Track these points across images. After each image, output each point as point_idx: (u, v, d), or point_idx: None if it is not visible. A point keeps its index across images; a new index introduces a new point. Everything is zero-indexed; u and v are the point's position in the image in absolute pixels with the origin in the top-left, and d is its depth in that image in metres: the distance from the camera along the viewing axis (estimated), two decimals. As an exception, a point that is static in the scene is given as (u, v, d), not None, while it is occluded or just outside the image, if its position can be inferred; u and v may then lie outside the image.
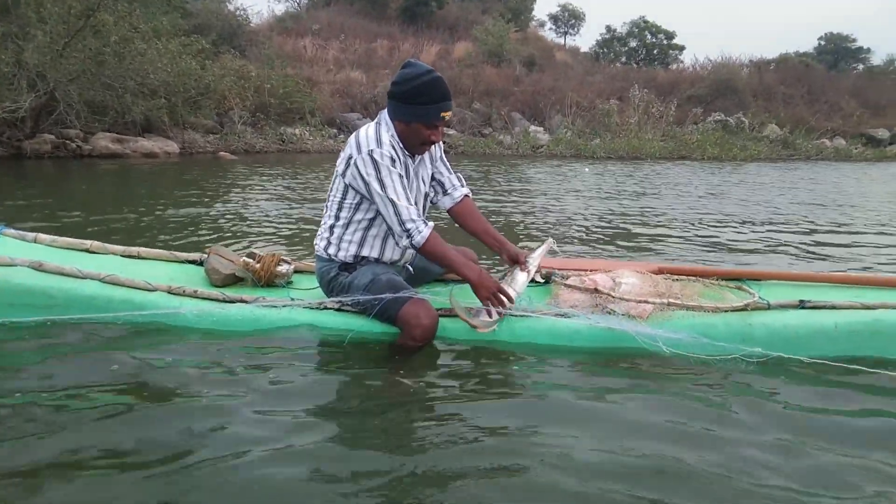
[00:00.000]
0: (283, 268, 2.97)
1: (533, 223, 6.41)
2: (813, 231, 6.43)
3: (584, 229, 6.14)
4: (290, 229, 5.66)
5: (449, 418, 2.02)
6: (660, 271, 2.96)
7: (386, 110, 2.61)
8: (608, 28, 32.77)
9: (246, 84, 16.69)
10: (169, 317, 2.61)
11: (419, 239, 2.51)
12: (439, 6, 28.39)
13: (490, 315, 2.55)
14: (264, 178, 10.34)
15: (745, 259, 4.93)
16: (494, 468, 1.73)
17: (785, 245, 5.55)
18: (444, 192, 2.87)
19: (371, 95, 20.60)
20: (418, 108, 2.49)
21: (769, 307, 2.61)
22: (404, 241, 2.54)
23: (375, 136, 2.55)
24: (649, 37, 32.27)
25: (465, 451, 1.82)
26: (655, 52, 32.30)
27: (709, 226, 6.56)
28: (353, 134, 2.61)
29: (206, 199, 7.55)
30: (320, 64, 22.62)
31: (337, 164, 2.65)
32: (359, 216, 2.66)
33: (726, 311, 2.58)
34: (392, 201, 2.50)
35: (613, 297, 2.59)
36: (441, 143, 2.80)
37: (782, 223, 6.85)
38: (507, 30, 25.79)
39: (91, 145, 13.11)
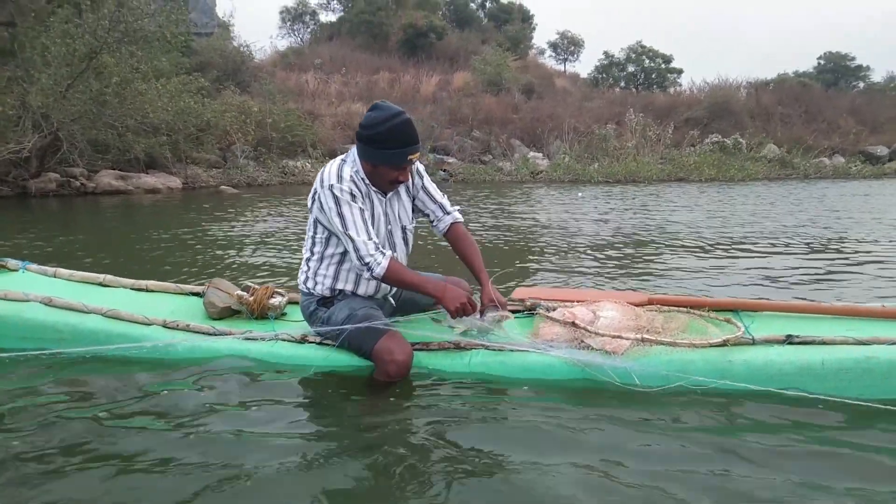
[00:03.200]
0: (275, 300, 3.05)
1: (525, 247, 6.55)
2: (816, 255, 6.12)
3: (577, 255, 6.11)
4: (291, 260, 5.77)
5: (421, 452, 2.03)
6: (649, 302, 2.90)
7: (355, 147, 2.66)
8: (606, 54, 33.20)
9: (248, 119, 17.03)
10: (162, 350, 2.77)
11: (379, 271, 2.53)
12: (439, 38, 28.87)
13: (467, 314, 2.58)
14: (266, 210, 10.54)
15: (743, 286, 4.75)
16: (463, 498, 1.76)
17: (787, 271, 5.29)
18: (432, 223, 2.89)
19: (371, 127, 20.86)
20: (385, 152, 2.51)
21: (753, 342, 2.49)
22: (366, 275, 2.56)
23: (338, 171, 2.59)
24: (647, 61, 32.64)
25: (436, 483, 1.84)
26: (654, 76, 32.63)
27: (707, 251, 6.37)
28: (321, 169, 2.68)
29: (208, 232, 7.76)
30: (322, 97, 23.03)
31: (308, 198, 2.73)
32: (330, 250, 2.70)
33: (704, 346, 2.47)
34: (351, 238, 2.53)
35: (590, 332, 2.55)
36: (423, 173, 2.86)
37: (784, 246, 6.64)
38: (506, 59, 26.20)
39: (95, 182, 13.44)
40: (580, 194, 13.90)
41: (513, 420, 2.27)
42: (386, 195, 2.73)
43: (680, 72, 32.65)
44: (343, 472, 1.92)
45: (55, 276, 3.36)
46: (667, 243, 6.88)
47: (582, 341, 2.54)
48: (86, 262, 5.41)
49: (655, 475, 1.86)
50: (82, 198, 12.69)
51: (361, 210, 2.57)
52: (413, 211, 2.89)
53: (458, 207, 2.96)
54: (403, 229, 2.82)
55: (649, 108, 23.83)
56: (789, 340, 2.45)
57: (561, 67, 35.33)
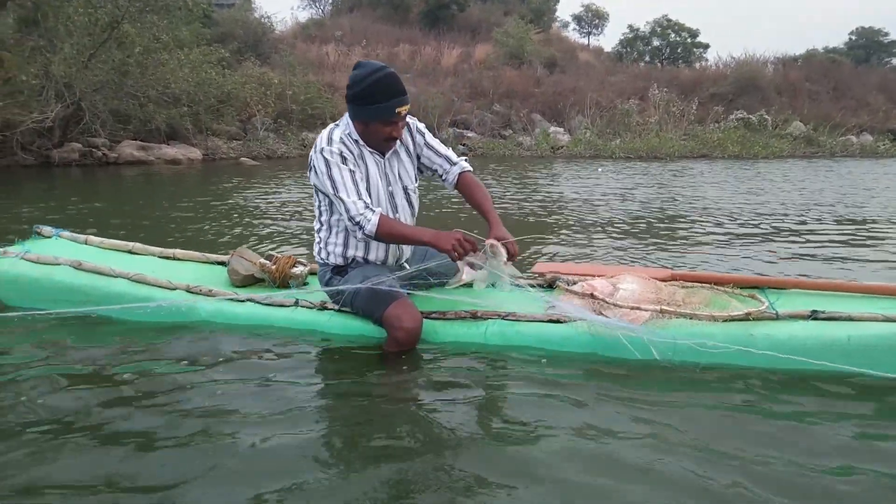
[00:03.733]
0: (297, 269, 3.08)
1: (545, 222, 6.52)
2: (844, 233, 5.94)
3: (598, 231, 6.05)
4: (312, 230, 5.77)
5: (433, 423, 2.04)
6: (672, 278, 2.84)
7: (347, 112, 2.68)
8: (630, 27, 32.60)
9: (268, 91, 17.02)
10: (184, 313, 2.85)
11: (370, 228, 2.54)
12: (460, 9, 28.54)
13: (473, 267, 2.48)
14: (287, 181, 10.59)
15: (770, 263, 4.60)
16: (474, 474, 1.74)
17: (815, 249, 5.17)
18: (441, 178, 2.88)
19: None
20: (372, 108, 2.52)
21: (777, 317, 2.44)
22: (359, 234, 2.57)
23: (328, 135, 2.63)
24: (672, 35, 32.03)
25: (448, 455, 1.83)
26: (679, 50, 32.05)
27: (732, 227, 6.19)
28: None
29: (229, 202, 7.83)
30: (342, 69, 22.91)
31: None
32: (335, 217, 2.71)
33: (726, 319, 2.43)
34: (341, 199, 2.55)
35: (608, 304, 2.52)
36: (424, 131, 2.85)
37: (812, 224, 6.50)
38: (528, 31, 25.86)
39: (117, 153, 13.55)
40: (600, 169, 13.77)
41: (525, 393, 2.24)
42: (384, 156, 2.73)
43: (706, 46, 32.03)
44: (344, 444, 1.93)
45: (86, 244, 3.46)
46: (690, 219, 6.79)
47: (600, 313, 2.51)
48: (109, 231, 5.47)
49: (670, 452, 1.84)
50: (104, 168, 12.82)
51: (352, 171, 2.58)
52: (421, 171, 2.89)
53: (465, 157, 2.93)
54: (405, 189, 2.81)
55: (674, 83, 23.42)
56: (814, 316, 2.40)
57: (585, 41, 34.82)
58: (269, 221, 6.39)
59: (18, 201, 7.69)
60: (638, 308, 2.48)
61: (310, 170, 2.68)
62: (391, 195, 2.76)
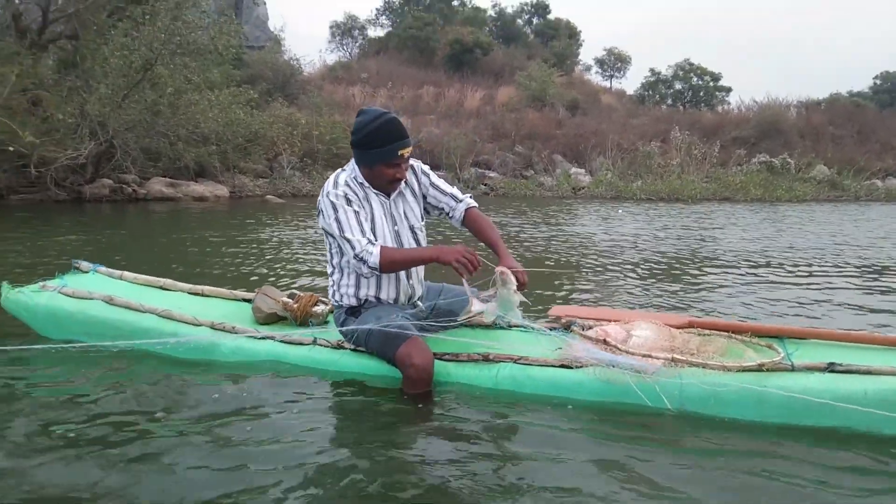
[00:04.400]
0: (318, 308, 3.15)
1: (564, 263, 6.57)
2: (873, 281, 5.82)
3: (617, 273, 6.03)
4: None
5: (435, 466, 2.07)
6: (689, 325, 2.80)
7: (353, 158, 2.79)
8: (652, 71, 32.89)
9: (294, 131, 17.38)
10: (207, 349, 2.95)
11: (373, 261, 2.58)
12: (484, 54, 29.05)
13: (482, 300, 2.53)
14: (311, 219, 10.71)
15: (793, 312, 4.50)
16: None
17: (842, 297, 5.04)
18: (448, 216, 2.94)
19: (415, 140, 21.12)
20: (375, 151, 2.62)
21: (792, 368, 2.37)
22: (364, 270, 2.62)
23: (334, 179, 2.72)
24: (695, 79, 32.24)
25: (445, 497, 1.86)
26: (701, 94, 32.22)
27: (754, 273, 6.10)
28: None
29: (255, 239, 7.99)
30: (367, 110, 23.33)
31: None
32: (345, 259, 2.75)
33: (738, 370, 2.37)
34: (346, 239, 2.62)
35: (620, 350, 2.50)
36: (428, 172, 2.94)
37: (838, 271, 6.37)
38: (551, 75, 26.24)
39: (146, 189, 13.88)
40: (620, 211, 13.82)
41: (535, 439, 2.25)
42: (389, 197, 2.81)
43: (728, 90, 32.17)
44: (351, 480, 1.95)
45: (121, 279, 3.60)
46: (711, 262, 6.76)
47: (614, 362, 2.47)
48: (138, 264, 5.61)
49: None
50: (133, 203, 13.12)
51: (356, 212, 2.66)
52: (428, 212, 2.96)
53: (470, 195, 3.00)
54: (412, 228, 2.87)
55: (696, 126, 23.56)
56: (831, 368, 2.33)
57: (607, 84, 35.22)
58: (294, 258, 6.51)
59: (53, 235, 7.92)
60: (649, 356, 2.45)
61: (318, 214, 2.77)
62: (397, 234, 2.82)
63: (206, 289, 3.59)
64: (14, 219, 9.84)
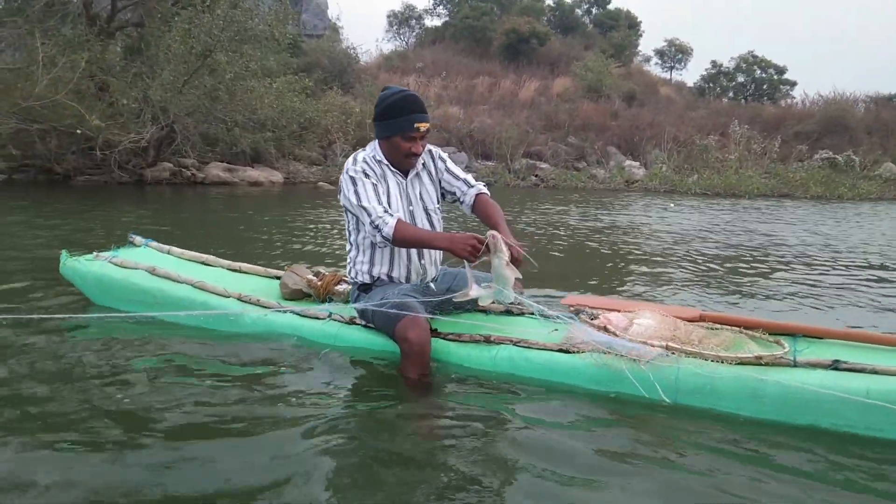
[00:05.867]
0: (341, 287, 3.26)
1: (603, 254, 6.58)
2: None
3: (655, 265, 5.96)
4: None
5: (424, 446, 2.11)
6: (700, 318, 2.75)
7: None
8: (714, 63, 32.09)
9: (349, 119, 17.65)
10: (232, 320, 3.13)
11: (388, 230, 2.65)
12: (541, 44, 28.82)
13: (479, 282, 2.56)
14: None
15: (835, 313, 4.25)
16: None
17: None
18: (460, 201, 3.02)
19: (467, 130, 21.20)
20: (392, 122, 2.74)
21: (794, 364, 2.29)
22: (378, 237, 2.70)
23: (353, 157, 2.85)
24: (758, 71, 31.32)
25: (431, 478, 1.90)
26: (765, 87, 31.29)
27: (801, 272, 5.81)
28: None
29: (301, 222, 8.23)
30: (422, 100, 23.47)
31: None
32: (362, 235, 2.86)
33: (735, 362, 2.32)
34: (363, 207, 2.71)
35: (616, 336, 2.49)
36: (445, 158, 3.04)
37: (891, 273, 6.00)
38: (608, 65, 25.90)
39: (204, 173, 14.36)
40: (672, 205, 13.60)
41: (524, 424, 2.26)
42: (406, 176, 2.90)
43: (793, 84, 31.11)
44: (340, 455, 2.02)
45: (169, 253, 3.84)
46: (757, 259, 6.57)
47: (609, 347, 2.46)
48: (189, 243, 5.87)
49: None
50: (192, 187, 13.59)
51: (374, 185, 2.76)
52: (442, 196, 3.04)
53: (482, 183, 3.06)
54: (426, 210, 2.95)
55: (756, 119, 22.92)
56: (835, 366, 2.23)
57: (667, 75, 34.51)
58: (335, 241, 6.69)
59: (114, 214, 8.32)
60: (645, 343, 2.42)
61: (339, 192, 2.89)
62: (411, 214, 2.90)
63: (244, 265, 3.76)
64: (80, 199, 10.33)
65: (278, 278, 3.61)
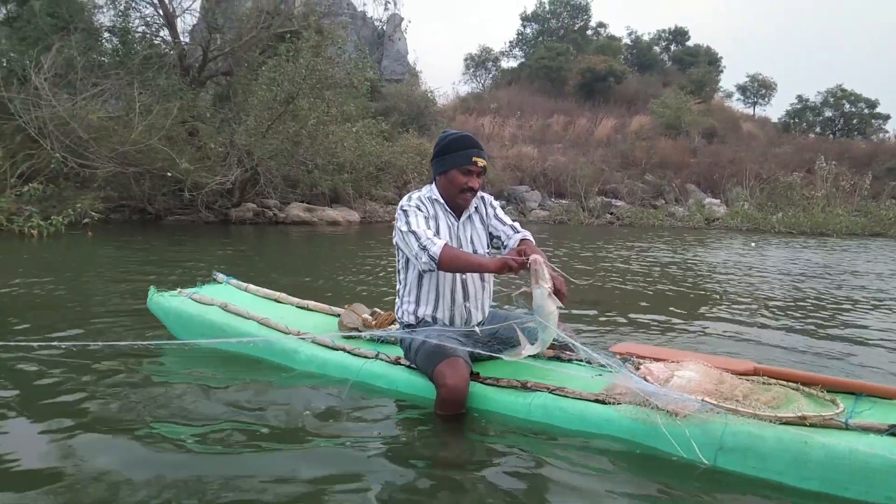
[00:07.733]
0: (394, 327, 3.34)
1: (669, 296, 6.46)
2: None
3: (726, 311, 5.67)
4: None
5: (454, 489, 2.11)
6: (755, 372, 2.58)
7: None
8: (799, 98, 31.13)
9: (423, 160, 18.04)
10: (290, 355, 3.27)
11: (435, 249, 2.69)
12: (618, 82, 28.77)
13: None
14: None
15: None
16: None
17: None
18: (504, 245, 3.05)
19: (541, 169, 21.27)
20: (450, 156, 2.86)
21: (846, 427, 2.08)
22: (424, 259, 2.71)
23: (408, 195, 2.95)
24: (847, 106, 30.14)
25: None
26: (854, 121, 30.06)
27: (887, 321, 5.34)
28: None
29: (373, 261, 8.42)
30: (496, 140, 23.80)
31: None
32: (411, 274, 2.93)
33: (777, 422, 2.12)
34: (413, 232, 2.77)
35: (658, 389, 2.36)
36: (495, 205, 3.13)
37: None
38: (687, 102, 25.53)
39: (285, 213, 14.95)
40: (752, 244, 13.18)
41: (553, 475, 2.20)
42: (458, 219, 2.98)
43: (886, 118, 29.77)
44: (358, 488, 2.06)
45: (247, 291, 4.07)
46: (839, 306, 6.08)
47: (647, 399, 2.33)
48: (268, 279, 6.17)
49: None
50: (273, 226, 14.16)
51: (426, 218, 2.86)
52: (491, 240, 3.10)
53: (529, 231, 3.11)
54: (475, 253, 2.98)
55: (845, 155, 22.07)
56: (891, 431, 2.00)
57: (749, 111, 33.71)
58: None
59: (202, 252, 8.78)
60: (682, 397, 2.26)
61: (393, 233, 2.98)
62: None
63: (311, 303, 3.93)
64: (170, 237, 10.94)
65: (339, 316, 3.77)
